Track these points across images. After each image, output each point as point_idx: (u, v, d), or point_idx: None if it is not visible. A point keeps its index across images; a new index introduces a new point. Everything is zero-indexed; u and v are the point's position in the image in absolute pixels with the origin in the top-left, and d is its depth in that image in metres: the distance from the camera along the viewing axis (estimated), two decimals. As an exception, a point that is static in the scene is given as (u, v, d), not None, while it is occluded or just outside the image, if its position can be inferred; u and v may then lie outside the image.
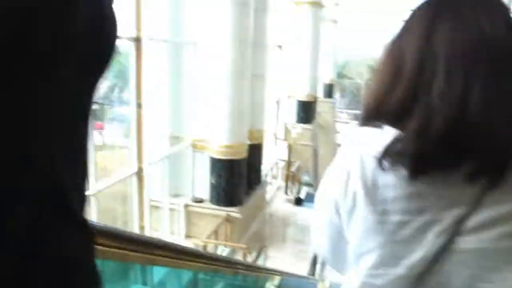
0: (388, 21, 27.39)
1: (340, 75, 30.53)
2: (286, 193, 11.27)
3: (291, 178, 11.44)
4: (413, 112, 0.78)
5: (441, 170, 0.77)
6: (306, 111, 15.94)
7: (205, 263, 3.01)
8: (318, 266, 8.20)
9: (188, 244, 8.32)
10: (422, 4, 0.87)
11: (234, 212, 8.21)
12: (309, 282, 7.21)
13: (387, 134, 0.79)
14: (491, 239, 0.76)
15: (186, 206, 8.45)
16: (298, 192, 11.15)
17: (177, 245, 2.57)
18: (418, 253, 0.80)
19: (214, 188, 8.22)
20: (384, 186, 0.80)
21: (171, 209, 8.32)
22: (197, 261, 2.81)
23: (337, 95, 28.09)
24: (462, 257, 0.78)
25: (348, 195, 0.84)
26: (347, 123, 30.47)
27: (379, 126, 0.82)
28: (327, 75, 23.01)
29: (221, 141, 7.91)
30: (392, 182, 0.79)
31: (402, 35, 0.87)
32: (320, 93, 22.22)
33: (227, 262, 3.88)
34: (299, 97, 15.87)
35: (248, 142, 8.35)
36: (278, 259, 9.12)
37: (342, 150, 0.89)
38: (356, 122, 0.91)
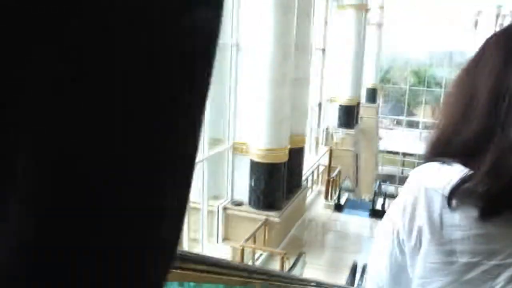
0: (434, 26, 26.90)
1: (384, 80, 29.90)
2: (326, 198, 11.09)
3: (332, 183, 11.24)
4: (485, 149, 0.74)
5: None
6: (348, 115, 15.69)
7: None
8: (357, 276, 8.00)
9: (225, 247, 8.33)
10: (496, 33, 0.83)
11: (272, 216, 8.14)
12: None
13: (456, 171, 0.76)
14: None
15: (225, 208, 8.45)
16: (338, 198, 10.94)
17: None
18: None
19: (253, 191, 8.18)
20: (451, 226, 0.77)
21: (210, 211, 8.34)
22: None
23: (380, 100, 27.54)
24: None
25: (413, 232, 0.81)
26: (390, 129, 29.90)
27: (447, 163, 0.78)
28: (370, 80, 22.61)
29: (261, 145, 7.86)
30: (460, 222, 0.76)
31: (475, 65, 0.82)
32: (363, 98, 21.89)
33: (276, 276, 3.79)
34: (342, 101, 15.64)
35: (289, 146, 8.26)
36: (316, 265, 8.96)
37: (409, 184, 0.85)
38: (422, 158, 0.88)
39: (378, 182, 13.54)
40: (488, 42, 0.82)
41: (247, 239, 7.37)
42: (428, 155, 0.84)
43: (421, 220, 0.79)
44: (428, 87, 28.72)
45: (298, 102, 8.82)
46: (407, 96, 29.56)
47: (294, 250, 8.58)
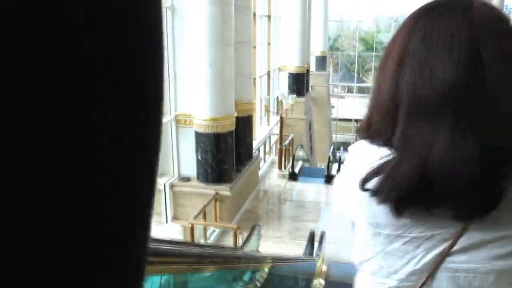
0: None
1: (333, 48, 29.85)
2: (279, 168, 10.70)
3: (285, 152, 10.85)
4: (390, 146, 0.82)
5: (424, 208, 0.78)
6: (298, 83, 15.28)
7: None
8: (315, 245, 7.69)
9: (175, 226, 7.80)
10: (402, 25, 0.84)
11: (223, 189, 7.66)
12: (307, 263, 6.71)
13: (376, 156, 0.81)
14: (481, 260, 0.78)
15: (172, 186, 7.90)
16: (292, 166, 10.57)
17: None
18: (408, 267, 0.83)
19: (201, 165, 7.65)
20: (375, 207, 0.82)
21: (156, 190, 7.76)
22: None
23: (330, 68, 27.46)
24: (453, 276, 0.80)
25: (349, 207, 0.91)
26: (341, 97, 29.94)
27: (375, 143, 0.85)
28: (319, 48, 22.37)
29: (205, 114, 7.29)
30: (382, 208, 0.81)
31: (386, 57, 0.85)
32: (312, 67, 21.67)
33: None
34: (291, 69, 15.19)
35: (236, 115, 7.73)
36: (273, 238, 8.61)
37: (346, 160, 0.94)
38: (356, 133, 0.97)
39: (332, 148, 13.27)
40: (396, 33, 0.85)
41: (196, 216, 6.87)
42: (361, 134, 0.90)
43: (354, 199, 0.86)
44: (376, 53, 28.89)
45: (241, 66, 8.26)
46: (356, 63, 29.71)
47: (249, 224, 8.15)
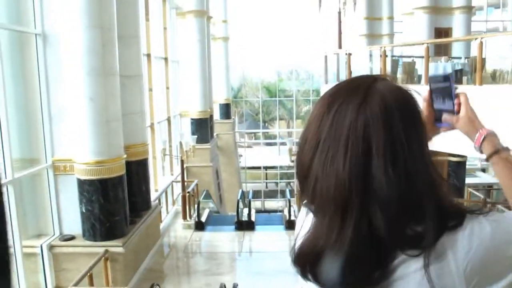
0: (279, 44, 27.98)
1: (237, 97, 29.91)
2: (184, 218, 9.64)
3: (189, 199, 9.84)
4: None
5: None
6: (202, 129, 14.57)
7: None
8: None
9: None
10: (324, 94, 0.92)
11: (115, 246, 6.46)
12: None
13: (304, 230, 0.93)
14: None
15: (51, 247, 6.54)
16: (199, 215, 9.58)
17: None
18: None
19: (87, 218, 6.43)
20: None
21: (30, 254, 6.35)
22: None
23: (236, 118, 27.28)
24: None
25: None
26: (249, 146, 29.71)
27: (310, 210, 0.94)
28: (222, 95, 22.16)
29: (88, 157, 6.19)
30: None
31: (303, 141, 0.92)
32: (217, 115, 21.27)
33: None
34: (193, 114, 14.49)
35: (125, 157, 6.70)
36: (180, 297, 7.46)
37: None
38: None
39: (240, 191, 12.49)
40: (313, 115, 0.91)
41: (78, 281, 5.59)
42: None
43: None
44: (280, 101, 29.35)
45: (131, 104, 7.33)
46: (261, 112, 29.83)
47: (150, 284, 6.97)
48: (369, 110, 0.83)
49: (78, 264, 6.35)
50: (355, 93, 0.85)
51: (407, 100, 0.87)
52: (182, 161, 9.65)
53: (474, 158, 18.55)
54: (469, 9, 13.47)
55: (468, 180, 13.04)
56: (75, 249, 6.55)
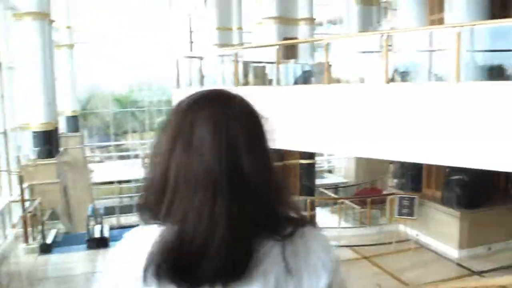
0: (130, 55, 27.20)
1: (87, 109, 28.18)
2: (26, 241, 8.56)
3: (31, 221, 8.78)
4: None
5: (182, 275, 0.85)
6: (45, 143, 13.15)
7: None
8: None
9: None
10: (176, 112, 0.95)
11: None
12: None
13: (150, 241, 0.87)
14: None
15: None
16: (43, 236, 8.61)
17: None
18: None
19: None
20: None
21: None
22: None
23: (85, 131, 25.61)
24: None
25: None
26: (101, 161, 28.04)
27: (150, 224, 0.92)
28: (69, 107, 20.71)
29: None
30: None
31: (162, 136, 0.95)
32: (63, 128, 19.72)
33: None
34: (35, 126, 13.01)
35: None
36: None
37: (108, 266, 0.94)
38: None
39: (91, 207, 11.62)
40: (174, 115, 0.95)
41: None
42: (142, 215, 0.95)
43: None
44: (131, 113, 28.44)
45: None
46: (112, 125, 28.49)
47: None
48: (231, 110, 0.92)
49: None
50: (218, 99, 0.95)
51: (254, 109, 0.97)
52: (21, 178, 8.57)
53: (322, 160, 20.33)
54: (311, 21, 15.15)
55: (318, 181, 14.11)
56: None
